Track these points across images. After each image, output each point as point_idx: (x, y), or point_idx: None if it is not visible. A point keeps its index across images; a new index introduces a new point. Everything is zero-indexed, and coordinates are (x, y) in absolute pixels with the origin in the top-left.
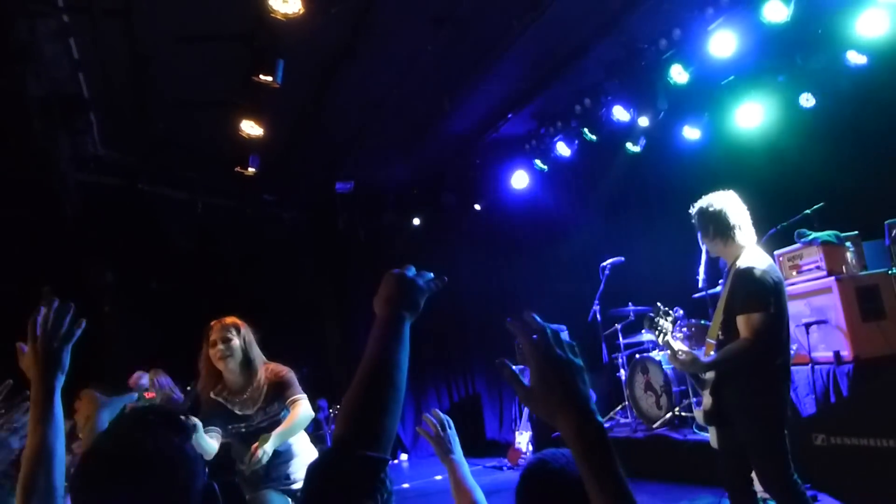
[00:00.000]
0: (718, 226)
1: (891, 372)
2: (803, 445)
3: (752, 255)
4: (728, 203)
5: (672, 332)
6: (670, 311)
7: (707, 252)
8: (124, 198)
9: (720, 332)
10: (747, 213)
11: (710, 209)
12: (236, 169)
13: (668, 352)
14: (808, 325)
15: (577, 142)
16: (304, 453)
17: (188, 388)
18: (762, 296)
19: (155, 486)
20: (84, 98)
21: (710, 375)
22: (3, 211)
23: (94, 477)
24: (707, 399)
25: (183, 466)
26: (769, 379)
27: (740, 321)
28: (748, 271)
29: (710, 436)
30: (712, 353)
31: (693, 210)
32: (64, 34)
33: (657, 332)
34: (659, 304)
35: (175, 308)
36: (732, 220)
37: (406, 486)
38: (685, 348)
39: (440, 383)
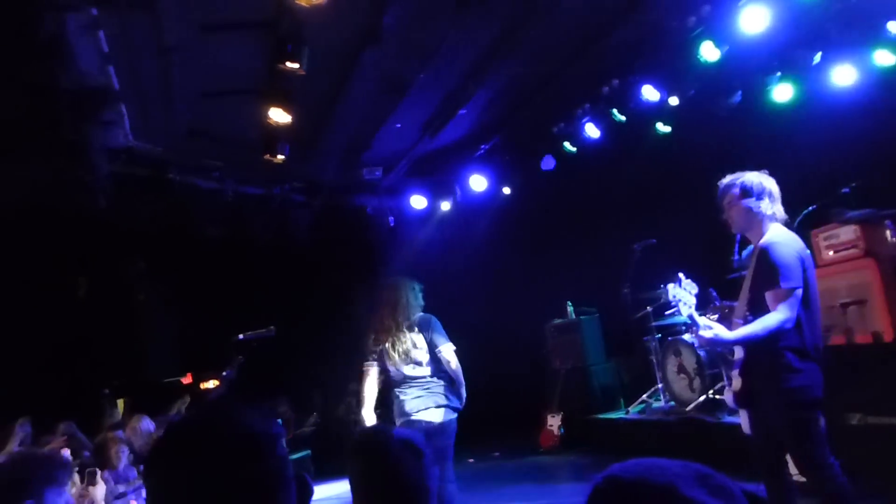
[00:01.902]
0: (742, 198)
1: None
2: (839, 425)
3: (778, 231)
4: (756, 179)
5: (695, 307)
6: (694, 283)
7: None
8: (155, 188)
9: (747, 311)
10: (777, 190)
11: (737, 183)
12: (265, 156)
13: (693, 327)
14: (844, 306)
15: (605, 123)
16: None
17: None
18: (789, 270)
19: (245, 467)
20: (114, 90)
21: (738, 355)
22: (38, 204)
23: (177, 454)
24: (737, 380)
25: (272, 451)
26: (802, 357)
27: (769, 296)
28: (774, 245)
29: (742, 419)
30: None
31: (720, 184)
32: (93, 27)
33: (681, 304)
34: (680, 273)
35: (206, 295)
36: (759, 195)
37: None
38: (711, 323)
39: (472, 367)
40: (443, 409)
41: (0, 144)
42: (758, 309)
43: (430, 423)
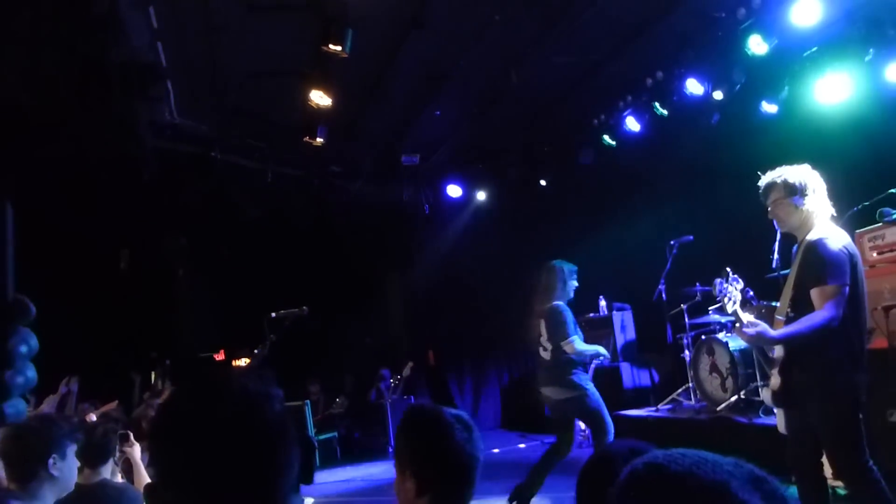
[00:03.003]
0: (789, 195)
1: None
2: (878, 423)
3: (826, 228)
4: (801, 175)
5: (740, 303)
6: (739, 279)
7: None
8: (198, 165)
9: (789, 309)
10: (823, 186)
11: (782, 180)
12: (305, 139)
13: (736, 324)
14: (887, 309)
15: (647, 116)
16: None
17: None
18: (837, 267)
19: (236, 460)
20: (162, 67)
21: (779, 354)
22: (86, 175)
23: (173, 446)
24: (775, 378)
25: (268, 408)
26: (844, 358)
27: (814, 294)
28: (821, 243)
29: (778, 418)
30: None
31: (763, 181)
32: (144, 4)
33: (726, 299)
34: (728, 269)
35: (243, 274)
36: (805, 191)
37: None
38: (754, 319)
39: (501, 358)
40: (558, 388)
41: (51, 116)
42: (801, 307)
43: (548, 398)
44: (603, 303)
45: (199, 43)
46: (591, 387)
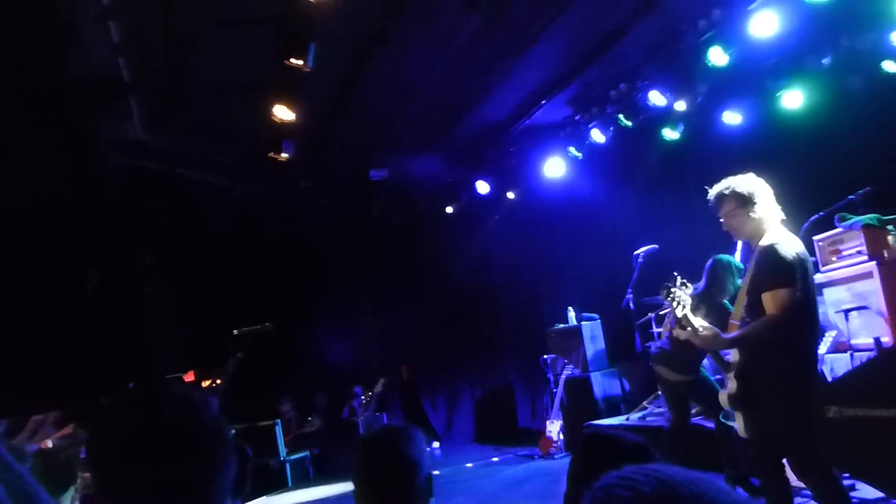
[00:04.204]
0: (740, 206)
1: None
2: (818, 420)
3: (776, 233)
4: (749, 184)
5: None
6: (688, 283)
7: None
8: (164, 182)
9: (744, 314)
10: (770, 191)
11: (731, 191)
12: (269, 154)
13: (689, 329)
14: (847, 312)
15: (612, 128)
16: None
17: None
18: (788, 271)
19: (175, 462)
20: (124, 82)
21: (734, 358)
22: (46, 195)
23: (113, 452)
24: (732, 382)
25: (198, 444)
26: (798, 360)
27: (766, 298)
28: (772, 248)
29: (737, 422)
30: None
31: (712, 193)
32: (104, 17)
33: (675, 304)
34: (676, 273)
35: (213, 292)
36: (755, 199)
37: (437, 472)
38: (706, 324)
39: (473, 373)
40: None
41: (7, 133)
42: (756, 311)
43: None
44: (571, 313)
45: (162, 58)
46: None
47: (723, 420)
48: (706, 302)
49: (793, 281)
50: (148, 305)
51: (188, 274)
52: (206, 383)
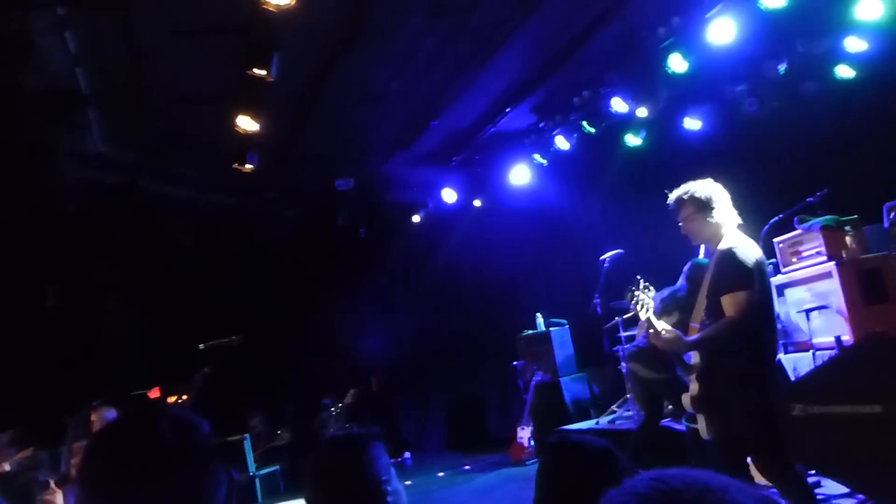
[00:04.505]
0: (698, 211)
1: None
2: (783, 419)
3: (735, 237)
4: (707, 189)
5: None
6: (651, 287)
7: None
8: (126, 195)
9: (704, 317)
10: (727, 196)
11: (689, 196)
12: (234, 165)
13: (651, 331)
14: (808, 312)
15: (576, 135)
16: None
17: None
18: (746, 274)
19: (173, 479)
20: (82, 93)
21: (695, 360)
22: (1, 207)
23: (104, 467)
24: (694, 385)
25: (195, 461)
26: (758, 362)
27: (725, 300)
28: (730, 251)
29: (699, 424)
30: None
31: (671, 198)
32: (60, 27)
33: (639, 307)
34: (639, 276)
35: (178, 305)
36: (713, 204)
37: (408, 482)
38: (668, 327)
39: (443, 381)
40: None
41: None
42: (715, 314)
43: None
44: (540, 319)
45: (122, 69)
46: None
47: (686, 422)
48: (685, 305)
49: (751, 283)
50: (110, 321)
51: (152, 288)
52: (171, 399)
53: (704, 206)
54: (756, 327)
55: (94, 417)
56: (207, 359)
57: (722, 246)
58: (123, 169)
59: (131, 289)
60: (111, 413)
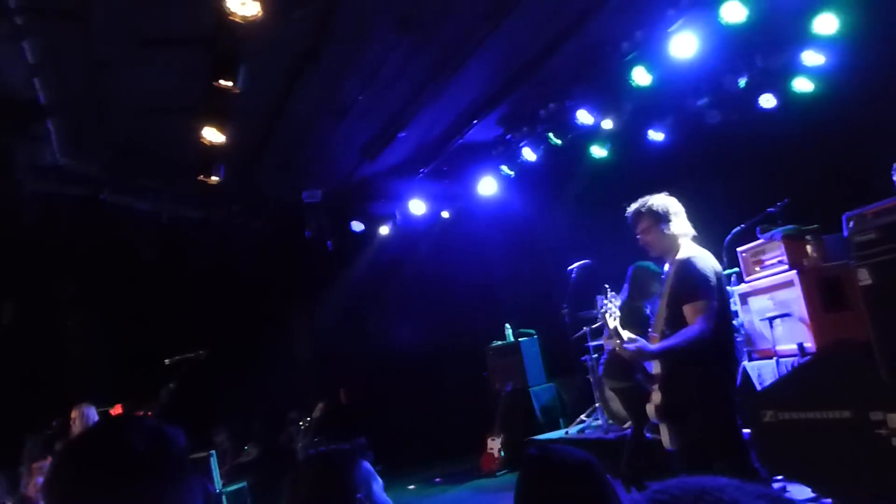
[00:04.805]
0: (655, 223)
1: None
2: (754, 425)
3: (691, 248)
4: (664, 201)
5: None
6: (617, 296)
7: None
8: (87, 208)
9: (665, 327)
10: (683, 210)
11: (647, 209)
12: (199, 177)
13: (617, 340)
14: (771, 319)
15: (542, 146)
16: None
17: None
18: (706, 283)
19: (146, 491)
20: (40, 104)
21: (657, 370)
22: None
23: (72, 482)
24: (656, 394)
25: (170, 474)
26: (719, 369)
27: (687, 309)
28: (689, 262)
29: (662, 434)
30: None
31: (629, 212)
32: (16, 36)
33: (607, 316)
34: (607, 286)
35: (141, 321)
36: (669, 217)
37: None
38: (633, 336)
39: (413, 393)
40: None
41: None
42: (676, 324)
43: None
44: (509, 330)
45: (82, 79)
46: None
47: (650, 433)
48: (629, 308)
49: (712, 292)
50: (71, 337)
51: (115, 303)
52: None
53: (661, 218)
54: (717, 335)
55: (74, 415)
56: (173, 374)
57: (680, 256)
58: (84, 181)
59: (93, 304)
60: (91, 411)
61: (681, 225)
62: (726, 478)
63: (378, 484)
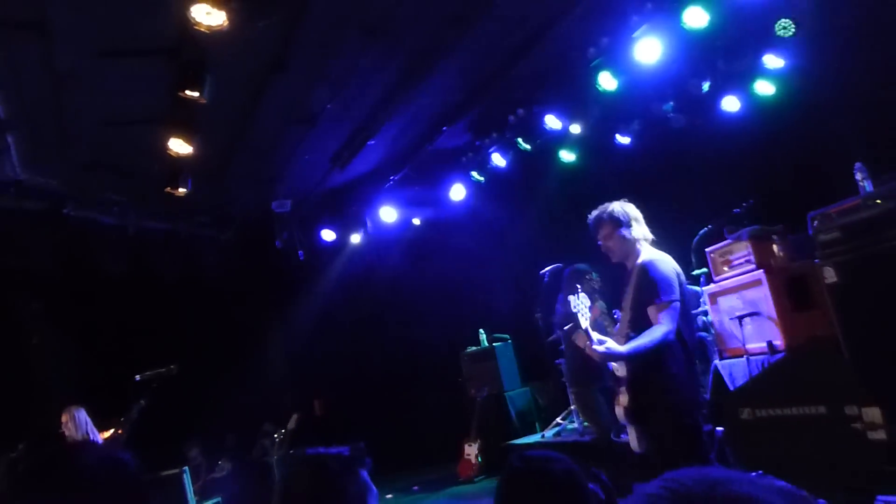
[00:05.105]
0: (616, 229)
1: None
2: (731, 422)
3: (651, 252)
4: (624, 208)
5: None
6: (588, 297)
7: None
8: (50, 223)
9: (629, 329)
10: (639, 213)
11: (607, 215)
12: (167, 189)
13: (588, 342)
14: (741, 318)
15: (512, 152)
16: None
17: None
18: (668, 284)
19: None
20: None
21: (622, 372)
22: None
23: (25, 488)
24: (624, 396)
25: (124, 499)
26: (682, 370)
27: (651, 311)
28: (651, 264)
29: (630, 437)
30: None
31: (590, 219)
32: None
33: (579, 316)
34: (579, 286)
35: (108, 337)
36: (630, 222)
37: None
38: (603, 337)
39: (388, 401)
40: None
41: None
42: (640, 326)
43: None
44: (483, 335)
45: (42, 91)
46: None
47: (615, 438)
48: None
49: (675, 292)
50: (36, 356)
51: (81, 319)
52: (105, 435)
53: (621, 224)
54: (680, 335)
55: (65, 418)
56: (144, 390)
57: (642, 259)
58: (46, 196)
59: (59, 321)
60: (81, 413)
61: (640, 230)
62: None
63: (373, 495)
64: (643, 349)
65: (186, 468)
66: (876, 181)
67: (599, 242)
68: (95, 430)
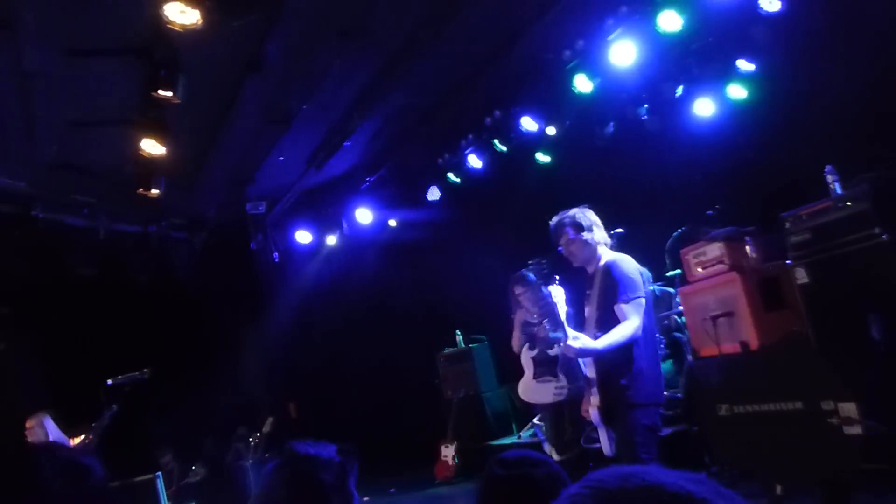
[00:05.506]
0: (577, 233)
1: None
2: (709, 419)
3: (611, 253)
4: (583, 213)
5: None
6: (563, 291)
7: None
8: (18, 226)
9: (596, 330)
10: (598, 218)
11: (569, 220)
12: (139, 191)
13: (563, 339)
14: (714, 318)
15: (488, 153)
16: None
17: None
18: (633, 283)
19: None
20: None
21: (592, 373)
22: None
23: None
24: (595, 397)
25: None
26: (647, 367)
27: (619, 309)
28: (615, 265)
29: (602, 440)
30: None
31: (551, 225)
32: None
33: (558, 307)
34: (557, 276)
35: (79, 342)
36: (590, 227)
37: None
38: (578, 333)
39: (364, 403)
40: None
41: None
42: (606, 326)
43: None
44: (459, 337)
45: (9, 91)
46: None
47: (585, 444)
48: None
49: (640, 290)
50: (4, 361)
51: (51, 323)
52: (75, 441)
53: (582, 228)
54: (646, 331)
55: (30, 424)
56: (116, 395)
57: (605, 261)
58: (15, 198)
59: (28, 325)
60: (48, 420)
61: (600, 234)
62: (654, 465)
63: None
64: (616, 344)
65: (160, 474)
66: (846, 183)
67: (560, 248)
68: (65, 437)
